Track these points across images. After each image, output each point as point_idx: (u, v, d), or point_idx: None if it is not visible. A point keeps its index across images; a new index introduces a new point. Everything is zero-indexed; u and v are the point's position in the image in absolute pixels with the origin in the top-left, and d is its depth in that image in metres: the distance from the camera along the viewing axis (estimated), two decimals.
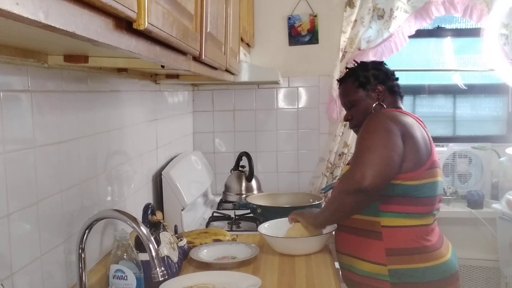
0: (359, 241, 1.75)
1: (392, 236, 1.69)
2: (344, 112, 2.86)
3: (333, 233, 1.90)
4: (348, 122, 2.00)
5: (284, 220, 1.97)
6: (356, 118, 1.88)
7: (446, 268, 1.72)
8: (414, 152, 1.67)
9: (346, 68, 2.01)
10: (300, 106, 3.09)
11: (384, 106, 1.84)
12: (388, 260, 1.68)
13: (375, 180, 1.58)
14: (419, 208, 1.71)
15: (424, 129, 1.77)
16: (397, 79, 1.92)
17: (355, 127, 1.91)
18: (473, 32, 3.11)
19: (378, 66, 1.92)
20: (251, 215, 2.37)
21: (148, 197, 2.07)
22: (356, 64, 1.95)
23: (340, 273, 1.90)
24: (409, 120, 1.74)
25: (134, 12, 0.69)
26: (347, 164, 1.89)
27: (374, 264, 1.70)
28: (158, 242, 1.52)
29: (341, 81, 1.96)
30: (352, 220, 1.75)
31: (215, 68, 1.54)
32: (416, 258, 1.68)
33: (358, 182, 1.59)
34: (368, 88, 1.86)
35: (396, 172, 1.64)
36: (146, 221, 1.58)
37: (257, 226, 2.02)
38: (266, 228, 1.95)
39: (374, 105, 1.84)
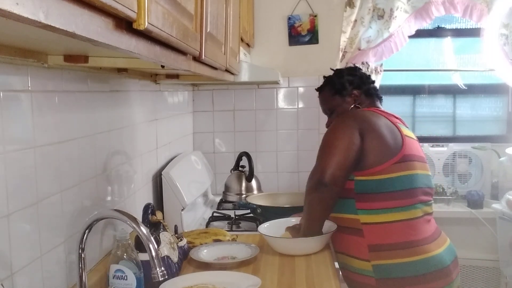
0: (345, 239, 1.80)
1: (373, 232, 1.72)
2: None
3: None
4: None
5: (284, 220, 1.97)
6: None
7: (433, 262, 1.70)
8: (377, 146, 1.72)
9: (323, 77, 2.09)
10: (300, 106, 3.09)
11: (361, 108, 1.91)
12: (370, 256, 1.71)
13: (333, 171, 1.69)
14: (396, 202, 1.72)
15: (394, 124, 1.79)
16: (373, 82, 2.00)
17: None
18: (473, 32, 3.11)
19: (353, 72, 2.00)
20: (251, 215, 2.37)
21: (148, 197, 2.07)
22: (332, 72, 2.04)
23: (340, 272, 1.91)
24: (371, 115, 1.80)
25: (134, 12, 0.69)
26: None
27: (360, 260, 1.75)
28: (158, 242, 1.52)
29: (319, 90, 2.06)
30: (337, 219, 1.81)
31: (215, 68, 1.54)
32: (398, 253, 1.69)
33: (319, 177, 1.70)
34: (344, 94, 1.95)
35: (355, 162, 1.71)
36: (146, 221, 1.58)
37: (257, 226, 2.02)
38: (266, 228, 1.95)
39: (350, 108, 1.93)
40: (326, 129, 3.03)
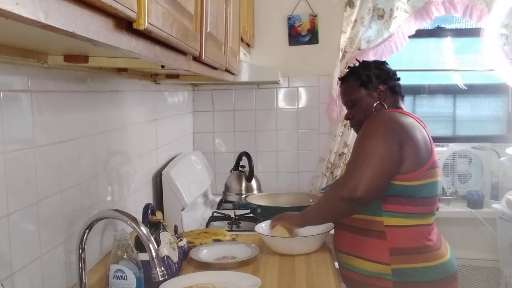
0: (361, 240, 1.75)
1: (395, 235, 1.70)
2: (344, 111, 2.89)
3: (331, 232, 1.90)
4: (348, 121, 2.00)
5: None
6: (357, 117, 1.89)
7: (447, 267, 1.74)
8: (414, 153, 1.68)
9: (348, 67, 2.00)
10: (300, 106, 3.09)
11: (385, 106, 1.84)
12: (391, 259, 1.69)
13: (367, 191, 1.63)
14: (420, 208, 1.72)
15: (424, 129, 1.78)
16: (398, 79, 1.92)
17: (355, 126, 1.92)
18: (473, 32, 3.11)
19: (380, 65, 1.92)
20: (251, 215, 2.37)
21: (148, 197, 2.07)
22: (358, 63, 1.96)
23: (339, 272, 1.90)
24: (409, 120, 1.75)
25: (134, 12, 0.69)
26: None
27: (377, 263, 1.70)
28: (158, 242, 1.52)
29: (342, 79, 1.96)
30: (353, 219, 1.75)
31: (215, 68, 1.54)
32: (418, 258, 1.69)
33: (350, 191, 1.64)
34: (370, 87, 1.86)
35: (392, 174, 1.67)
36: (146, 221, 1.58)
37: None
38: (263, 227, 1.95)
39: (375, 104, 1.85)
40: (326, 129, 3.08)
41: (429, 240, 1.73)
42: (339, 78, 2.03)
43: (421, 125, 1.78)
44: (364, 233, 1.74)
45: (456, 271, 1.78)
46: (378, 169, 1.64)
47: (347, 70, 1.98)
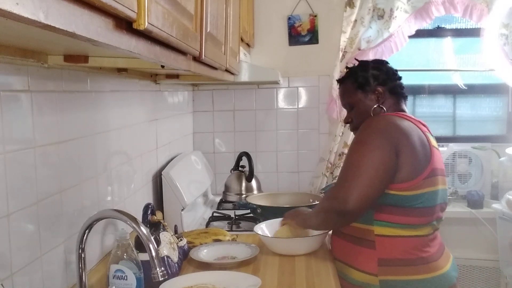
0: (352, 249, 1.69)
1: (385, 245, 1.62)
2: (344, 112, 2.90)
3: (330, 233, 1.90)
4: (348, 124, 1.94)
5: (280, 220, 1.96)
6: (356, 121, 1.81)
7: (441, 281, 1.64)
8: (410, 162, 1.59)
9: (347, 67, 1.94)
10: (300, 106, 3.09)
11: (384, 108, 1.76)
12: (379, 271, 1.61)
13: (358, 203, 1.56)
14: (414, 219, 1.62)
15: (424, 134, 1.67)
16: (399, 78, 1.84)
17: (354, 129, 1.84)
18: (473, 32, 3.11)
19: (379, 65, 1.83)
20: (251, 215, 2.37)
21: (148, 197, 2.07)
22: (356, 63, 1.89)
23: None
24: (407, 124, 1.65)
25: (134, 12, 0.69)
26: None
27: (365, 274, 1.64)
28: (158, 242, 1.53)
29: (340, 81, 1.89)
30: (347, 227, 1.70)
31: (215, 68, 1.54)
32: (409, 270, 1.61)
33: (341, 204, 1.58)
34: (367, 90, 1.78)
35: (385, 184, 1.59)
36: (146, 221, 1.58)
37: None
38: (262, 228, 1.95)
39: (373, 107, 1.77)
40: (326, 129, 3.08)
41: (424, 252, 1.63)
42: (336, 80, 1.96)
43: (422, 130, 1.68)
44: (355, 241, 1.68)
45: (454, 284, 1.68)
46: (370, 180, 1.56)
47: (346, 71, 1.91)
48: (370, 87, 1.79)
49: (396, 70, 1.86)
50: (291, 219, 1.87)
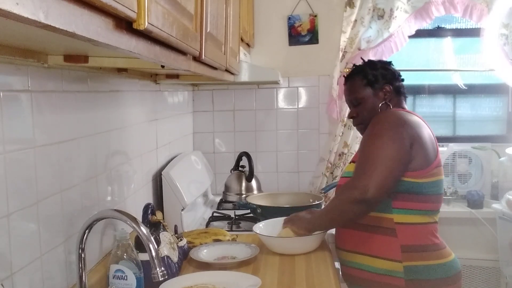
0: (370, 238, 1.75)
1: (406, 232, 1.71)
2: (344, 111, 2.90)
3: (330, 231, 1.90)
4: (351, 120, 1.99)
5: (280, 220, 1.95)
6: (361, 116, 1.89)
7: (454, 265, 1.76)
8: (423, 151, 1.71)
9: (354, 65, 2.00)
10: (300, 106, 3.09)
11: (390, 106, 1.85)
12: (403, 257, 1.70)
13: (378, 191, 1.63)
14: (429, 205, 1.74)
15: (429, 128, 1.80)
16: (403, 80, 1.94)
17: (359, 124, 1.92)
18: (473, 32, 3.11)
19: (386, 65, 1.94)
20: (251, 215, 2.37)
21: (148, 197, 2.07)
22: (364, 62, 1.96)
23: (340, 271, 1.90)
24: (416, 119, 1.77)
25: (134, 12, 0.69)
26: (352, 161, 1.88)
27: (389, 261, 1.71)
28: (158, 242, 1.53)
29: (348, 78, 1.95)
30: (367, 218, 1.74)
31: (215, 68, 1.54)
32: (429, 255, 1.71)
33: (361, 193, 1.64)
34: (376, 87, 1.87)
35: (402, 173, 1.68)
36: (146, 221, 1.58)
37: None
38: (261, 227, 1.95)
39: (380, 104, 1.86)
40: (326, 129, 3.08)
41: (437, 238, 1.76)
42: (344, 76, 2.01)
43: (426, 125, 1.80)
44: (373, 230, 1.74)
45: (460, 270, 1.80)
46: (387, 169, 1.65)
47: (353, 68, 1.98)
48: (379, 84, 1.87)
49: (400, 72, 1.96)
50: (291, 224, 1.87)
